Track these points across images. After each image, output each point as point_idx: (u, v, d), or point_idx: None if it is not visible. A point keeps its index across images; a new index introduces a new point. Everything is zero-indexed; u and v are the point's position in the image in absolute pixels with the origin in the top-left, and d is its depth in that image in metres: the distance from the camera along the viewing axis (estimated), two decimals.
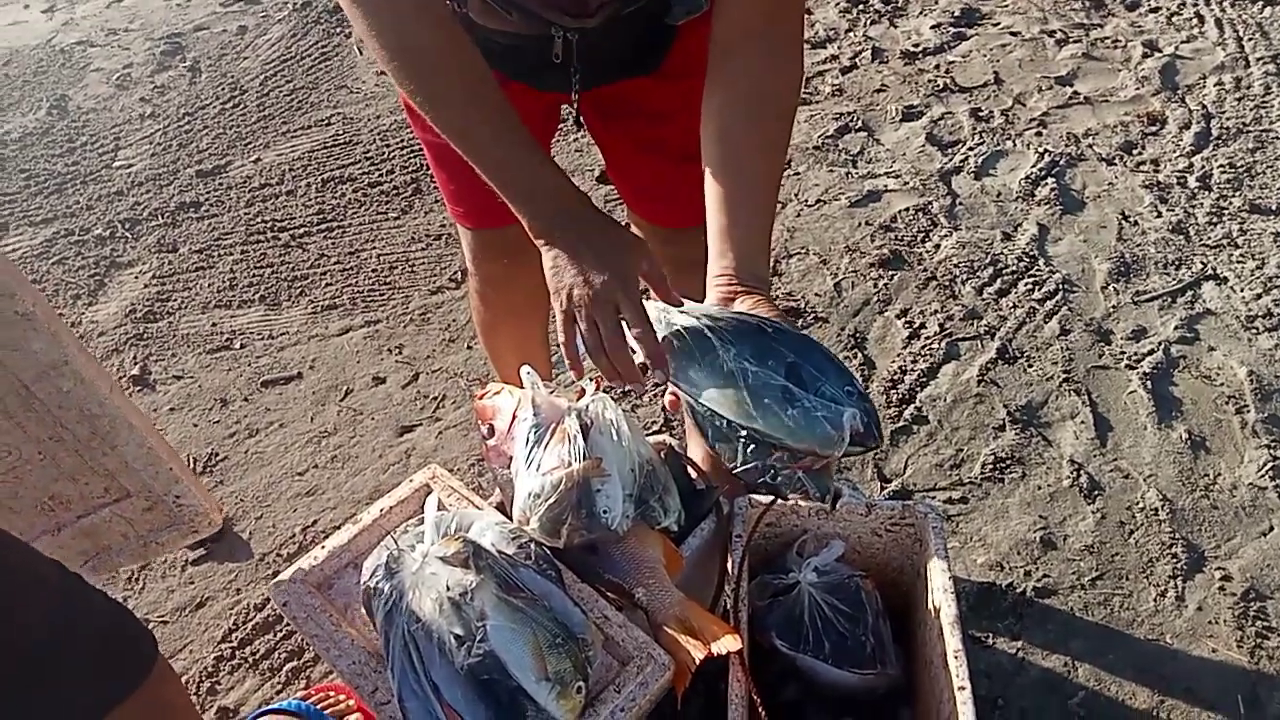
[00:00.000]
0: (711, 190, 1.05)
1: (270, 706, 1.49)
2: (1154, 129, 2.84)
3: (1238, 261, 2.36)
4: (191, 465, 1.99)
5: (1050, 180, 2.66)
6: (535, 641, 1.05)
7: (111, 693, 1.07)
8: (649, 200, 1.47)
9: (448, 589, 1.07)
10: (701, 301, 1.08)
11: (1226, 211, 2.51)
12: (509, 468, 1.34)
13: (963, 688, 1.15)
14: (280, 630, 1.66)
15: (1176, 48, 3.18)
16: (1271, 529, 1.77)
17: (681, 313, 1.05)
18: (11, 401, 1.17)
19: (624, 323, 0.99)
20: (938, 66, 3.19)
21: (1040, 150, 2.77)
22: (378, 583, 1.10)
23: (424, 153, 1.46)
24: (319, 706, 1.49)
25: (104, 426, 1.24)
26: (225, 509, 1.89)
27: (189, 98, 3.27)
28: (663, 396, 2.05)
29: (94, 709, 1.06)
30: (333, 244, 2.60)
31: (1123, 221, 2.51)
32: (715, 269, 1.05)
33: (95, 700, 1.06)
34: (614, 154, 1.44)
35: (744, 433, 0.97)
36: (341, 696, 1.51)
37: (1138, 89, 3.00)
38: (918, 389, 2.08)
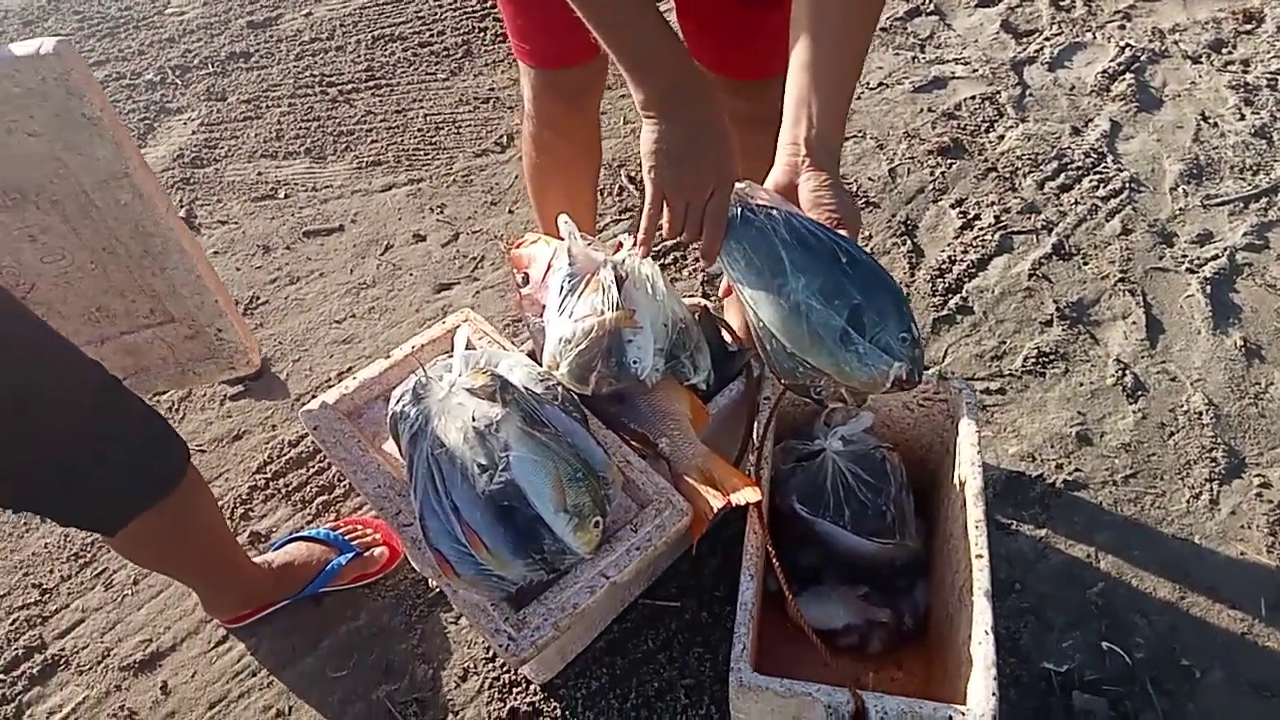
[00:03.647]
0: (797, 54, 1.00)
1: (300, 534, 1.55)
2: (1249, 27, 2.66)
3: None
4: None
5: (1129, 76, 2.51)
6: (556, 474, 1.06)
7: (141, 498, 1.11)
8: (723, 51, 1.40)
9: (473, 419, 1.08)
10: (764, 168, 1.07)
11: None
12: (541, 316, 1.33)
13: (980, 555, 1.14)
14: (313, 466, 1.70)
15: None
16: None
17: (759, 206, 1.03)
18: (70, 206, 1.18)
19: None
20: None
21: (1122, 44, 2.61)
22: (404, 407, 1.11)
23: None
24: (347, 537, 1.54)
25: (156, 246, 1.25)
26: (264, 350, 1.92)
27: None
28: (713, 274, 2.02)
29: (123, 511, 1.11)
30: (380, 101, 2.56)
31: (1201, 122, 2.37)
32: (788, 136, 1.02)
33: (125, 503, 1.10)
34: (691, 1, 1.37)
35: (796, 358, 1.01)
36: (369, 530, 1.56)
37: None
38: (965, 279, 2.02)
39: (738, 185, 1.04)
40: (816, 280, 0.97)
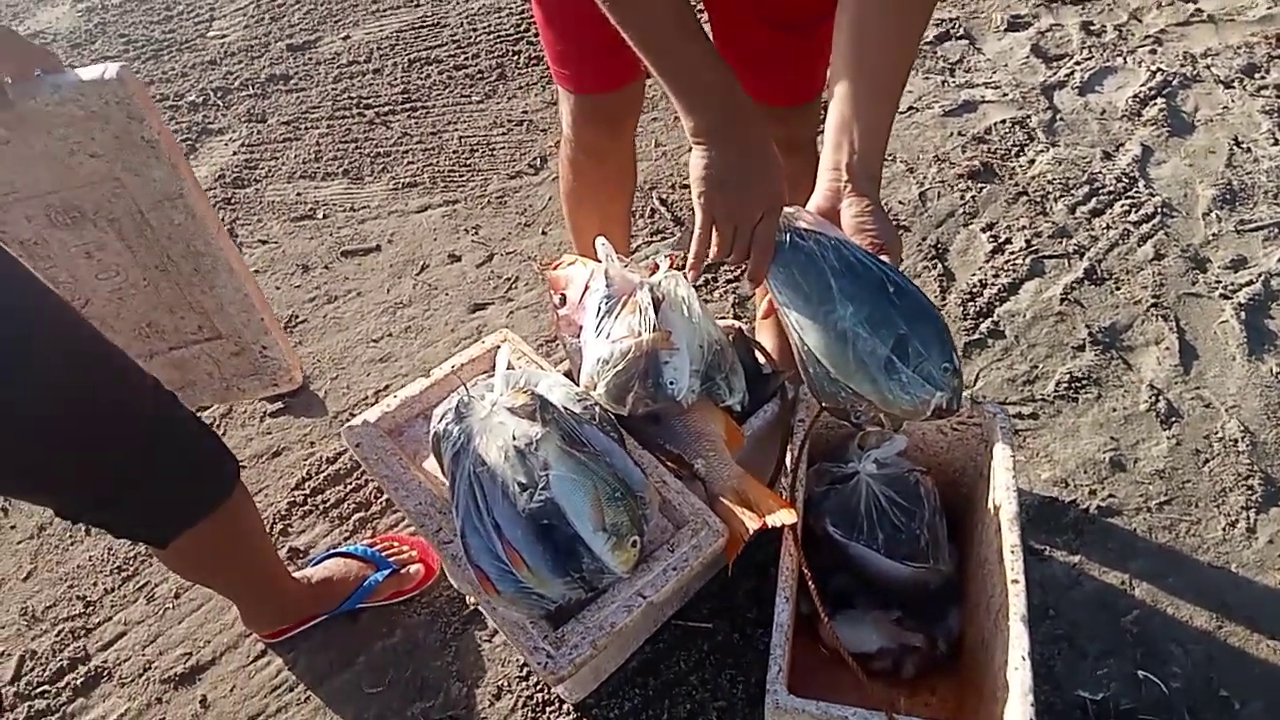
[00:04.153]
0: (839, 80, 1.00)
1: (338, 550, 1.57)
2: None
3: None
4: None
5: (1160, 100, 2.51)
6: (595, 493, 1.08)
7: (196, 510, 1.14)
8: (759, 77, 1.39)
9: (514, 438, 1.09)
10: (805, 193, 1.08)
11: None
12: (578, 337, 1.35)
13: (1016, 580, 1.14)
14: (350, 483, 1.73)
15: None
16: None
17: (807, 231, 1.04)
18: (126, 224, 1.22)
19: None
20: None
21: (1153, 69, 2.62)
22: (447, 425, 1.13)
23: (533, 12, 1.43)
24: (384, 554, 1.56)
25: (206, 265, 1.29)
26: (303, 368, 1.95)
27: None
28: (745, 296, 2.03)
29: (178, 522, 1.13)
30: (416, 123, 2.61)
31: (1234, 147, 2.37)
32: (829, 160, 1.03)
33: (180, 514, 1.13)
34: (730, 26, 1.38)
35: (839, 383, 1.03)
36: (405, 547, 1.58)
37: (1270, 7, 2.79)
38: (997, 303, 2.02)
39: (785, 210, 1.06)
40: (864, 309, 0.99)
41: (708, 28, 1.40)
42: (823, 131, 1.05)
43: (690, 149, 1.03)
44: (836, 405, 1.08)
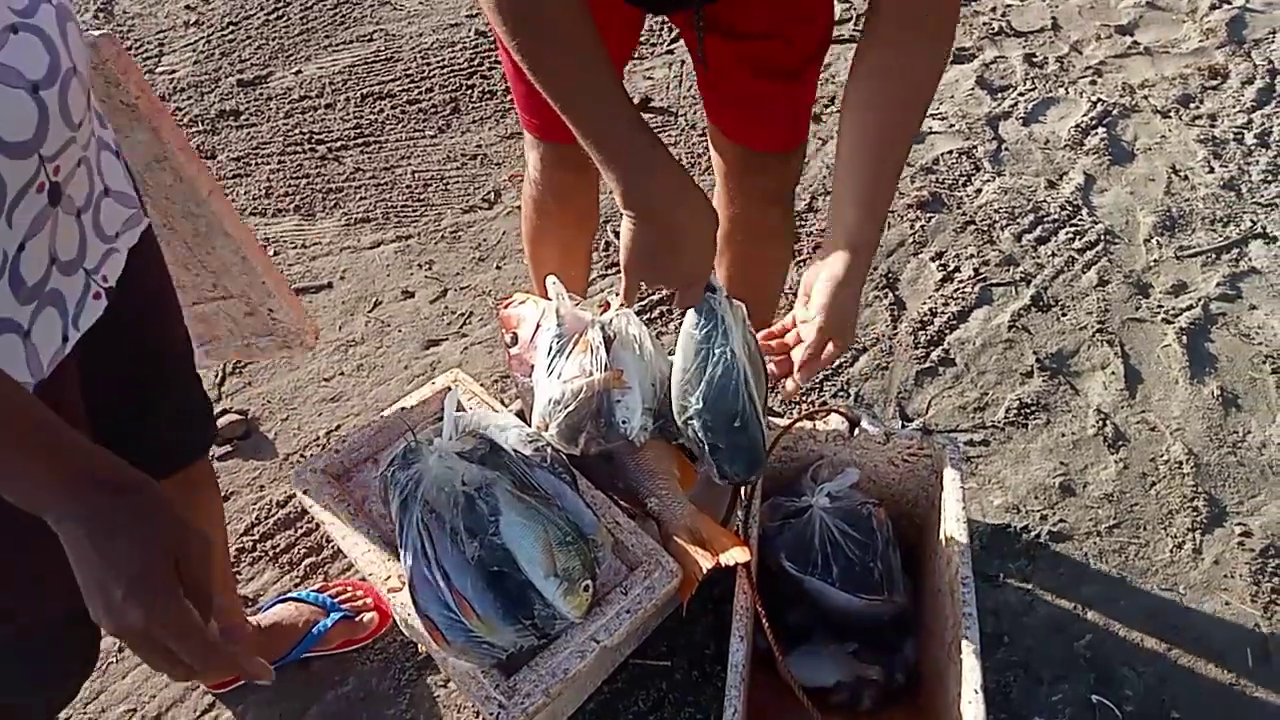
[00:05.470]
0: (845, 174, 1.06)
1: (289, 595, 1.54)
2: (1215, 83, 2.74)
3: None
4: (221, 366, 2.02)
5: (1101, 130, 2.58)
6: (546, 538, 1.06)
7: (185, 452, 1.17)
8: (744, 122, 1.40)
9: (463, 483, 1.08)
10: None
11: None
12: (530, 376, 1.35)
13: (969, 613, 1.15)
14: (301, 527, 1.69)
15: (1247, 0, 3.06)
16: None
17: (727, 335, 1.14)
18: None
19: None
20: (994, 9, 3.10)
21: (1094, 99, 2.69)
22: (395, 471, 1.11)
23: (501, 62, 1.42)
24: (337, 600, 1.53)
25: (202, 227, 1.25)
26: (251, 410, 1.92)
27: (233, 7, 3.25)
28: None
29: (169, 460, 1.14)
30: (369, 159, 2.60)
31: (1172, 175, 2.44)
32: (849, 235, 1.05)
33: (174, 452, 1.15)
34: (714, 71, 1.35)
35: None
36: (359, 593, 1.56)
37: (1201, 41, 2.89)
38: (946, 331, 2.05)
39: (714, 280, 1.11)
40: (716, 421, 1.17)
41: (693, 71, 1.39)
42: (828, 192, 1.08)
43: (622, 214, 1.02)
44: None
